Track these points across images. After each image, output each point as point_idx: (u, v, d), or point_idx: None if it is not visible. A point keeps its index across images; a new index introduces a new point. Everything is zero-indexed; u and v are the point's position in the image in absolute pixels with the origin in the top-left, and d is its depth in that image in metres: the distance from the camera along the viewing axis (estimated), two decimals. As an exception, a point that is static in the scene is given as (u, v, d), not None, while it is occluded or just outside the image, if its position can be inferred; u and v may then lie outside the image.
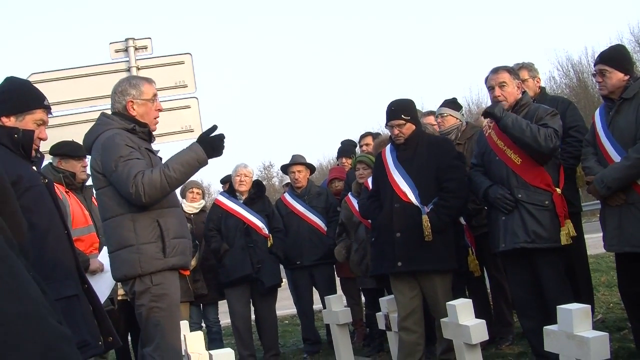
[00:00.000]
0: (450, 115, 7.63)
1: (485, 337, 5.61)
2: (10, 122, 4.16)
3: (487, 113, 5.97)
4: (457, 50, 77.85)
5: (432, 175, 6.08)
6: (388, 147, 6.43)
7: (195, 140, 5.02)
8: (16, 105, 4.21)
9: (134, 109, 5.05)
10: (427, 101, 53.52)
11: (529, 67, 7.04)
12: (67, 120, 8.23)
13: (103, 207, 5.00)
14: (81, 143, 5.48)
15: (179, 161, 4.81)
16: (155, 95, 5.17)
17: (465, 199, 6.19)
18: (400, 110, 6.19)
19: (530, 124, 5.67)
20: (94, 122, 5.21)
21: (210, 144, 4.94)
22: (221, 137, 5.00)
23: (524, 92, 6.06)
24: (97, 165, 4.90)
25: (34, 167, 4.25)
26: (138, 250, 4.77)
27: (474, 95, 43.99)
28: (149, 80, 5.22)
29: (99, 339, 4.13)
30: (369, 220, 6.85)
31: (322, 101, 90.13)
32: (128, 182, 4.65)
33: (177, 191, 5.21)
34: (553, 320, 4.93)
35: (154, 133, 5.32)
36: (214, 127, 5.01)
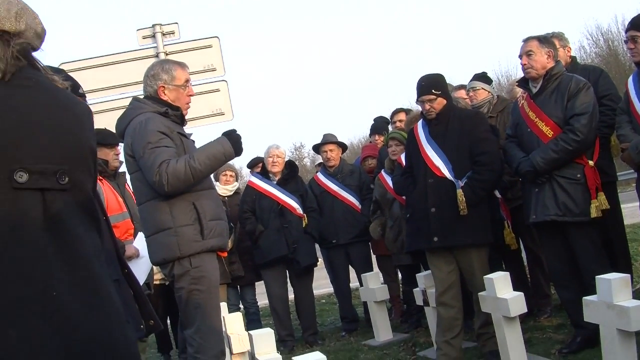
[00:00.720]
0: (482, 88, 7.59)
1: (524, 309, 5.60)
2: None
3: (527, 172, 5.86)
4: (486, 23, 77.11)
5: (465, 149, 6.03)
6: (420, 123, 6.39)
7: (221, 133, 5.06)
8: None
9: (165, 94, 5.05)
10: (456, 75, 53.23)
11: (559, 36, 6.95)
12: (98, 108, 8.28)
13: (138, 191, 5.02)
14: (113, 130, 5.50)
15: (206, 154, 4.81)
16: (187, 80, 5.15)
17: (500, 172, 6.13)
18: (430, 85, 6.15)
19: (556, 147, 5.62)
20: (124, 109, 5.23)
21: (235, 141, 4.98)
22: (238, 136, 5.06)
23: (557, 61, 5.97)
24: (129, 150, 4.91)
25: None
26: (176, 233, 4.78)
27: (504, 68, 43.58)
28: (182, 65, 5.19)
29: (140, 323, 4.16)
30: (404, 197, 6.84)
31: (351, 79, 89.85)
32: (152, 170, 4.66)
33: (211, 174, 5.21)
34: (590, 291, 4.91)
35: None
36: (234, 130, 5.08)
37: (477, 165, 5.97)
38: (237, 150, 5.00)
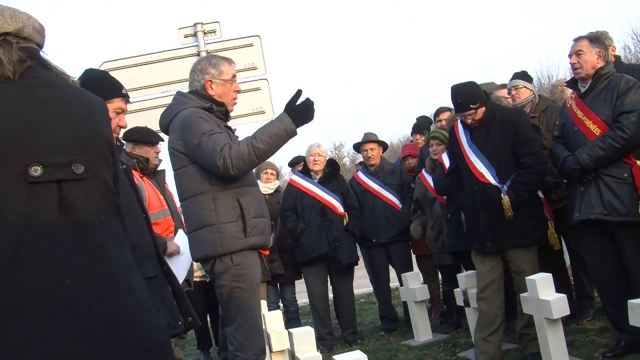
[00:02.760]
0: (525, 87, 7.51)
1: (567, 312, 5.54)
2: None
3: (573, 170, 5.78)
4: (527, 22, 76.45)
5: (507, 151, 5.97)
6: (460, 122, 6.33)
7: (281, 113, 4.86)
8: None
9: (212, 89, 5.02)
10: (496, 75, 52.81)
11: (603, 35, 6.86)
12: (140, 106, 8.34)
13: (182, 186, 4.97)
14: (154, 129, 5.50)
15: (267, 132, 4.71)
16: (234, 76, 5.12)
17: (543, 172, 6.05)
18: (467, 100, 6.01)
19: (603, 144, 5.53)
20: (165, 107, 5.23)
21: (298, 111, 4.80)
22: (309, 104, 4.85)
23: (607, 62, 5.87)
24: (176, 145, 4.87)
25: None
26: (219, 230, 4.74)
27: (545, 68, 43.11)
28: (229, 61, 5.16)
29: (178, 319, 4.16)
30: (444, 197, 6.79)
31: (393, 78, 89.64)
32: (215, 155, 4.60)
33: (253, 170, 5.16)
34: (636, 294, 4.83)
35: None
36: (299, 92, 4.87)
37: (521, 167, 5.90)
38: (305, 119, 4.83)
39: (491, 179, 5.91)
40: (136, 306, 2.29)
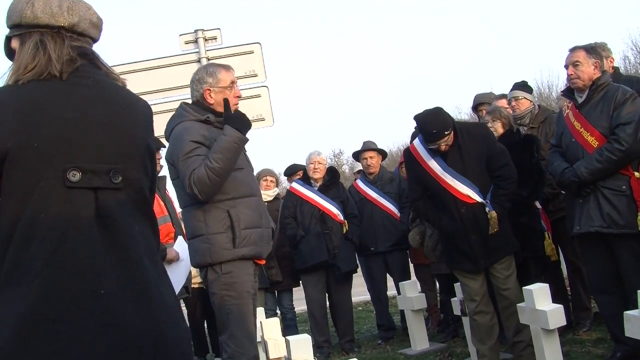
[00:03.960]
0: (525, 98, 7.52)
1: (563, 322, 5.56)
2: None
3: (571, 182, 5.78)
4: (527, 31, 76.57)
5: (483, 165, 5.97)
6: (420, 146, 6.17)
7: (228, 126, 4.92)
8: None
9: (211, 97, 5.06)
10: (496, 84, 52.83)
11: (601, 47, 6.87)
12: (140, 112, 8.34)
13: (178, 197, 5.11)
14: (155, 135, 5.51)
15: (217, 150, 4.76)
16: (233, 82, 5.15)
17: (517, 181, 6.06)
18: (442, 129, 5.85)
19: (600, 157, 5.53)
20: (167, 113, 5.27)
21: (236, 120, 4.90)
22: (239, 114, 5.01)
23: (603, 72, 5.88)
24: (170, 157, 4.98)
25: None
26: (208, 240, 4.82)
27: (545, 77, 43.10)
28: (226, 68, 5.20)
29: None
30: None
31: (392, 86, 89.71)
32: (185, 182, 4.73)
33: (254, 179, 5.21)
34: (632, 306, 4.84)
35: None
36: (226, 101, 4.98)
37: (499, 179, 5.96)
38: (246, 125, 4.94)
39: (477, 198, 5.91)
40: (167, 318, 2.29)
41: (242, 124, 4.92)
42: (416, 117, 6.07)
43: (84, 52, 2.43)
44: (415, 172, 6.25)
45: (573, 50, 5.92)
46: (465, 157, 5.97)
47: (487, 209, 5.88)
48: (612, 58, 7.12)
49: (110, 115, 2.33)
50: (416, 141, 6.27)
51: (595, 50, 5.93)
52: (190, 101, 5.24)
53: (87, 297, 2.11)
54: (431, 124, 5.91)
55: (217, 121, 5.00)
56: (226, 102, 4.98)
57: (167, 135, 5.11)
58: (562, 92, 6.37)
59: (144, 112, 2.51)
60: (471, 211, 5.92)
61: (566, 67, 5.92)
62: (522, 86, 7.72)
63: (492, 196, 5.92)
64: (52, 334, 2.05)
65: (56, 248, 2.13)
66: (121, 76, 2.61)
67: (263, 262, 5.21)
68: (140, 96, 7.53)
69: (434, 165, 6.04)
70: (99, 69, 2.47)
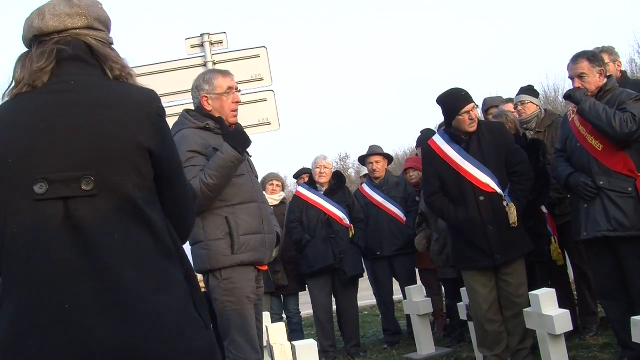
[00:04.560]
0: (531, 102, 7.50)
1: (569, 327, 5.54)
2: None
3: (567, 95, 5.83)
4: (533, 34, 76.49)
5: (502, 160, 6.02)
6: (440, 139, 6.27)
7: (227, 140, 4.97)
8: None
9: (208, 104, 5.08)
10: (502, 88, 52.76)
11: (609, 50, 6.88)
12: (145, 116, 8.34)
13: None
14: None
15: (213, 167, 4.78)
16: (230, 87, 5.14)
17: (533, 180, 6.11)
18: (469, 95, 6.08)
19: (606, 108, 5.50)
20: (172, 117, 5.25)
21: (235, 138, 4.92)
22: (240, 130, 5.06)
23: (609, 77, 5.85)
24: None
25: None
26: (206, 247, 4.86)
27: (551, 81, 42.93)
28: (223, 73, 5.21)
29: None
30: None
31: (397, 90, 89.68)
32: None
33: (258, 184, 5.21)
34: (637, 311, 4.83)
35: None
36: (220, 119, 5.03)
37: (516, 175, 5.99)
38: (245, 142, 4.96)
39: (496, 188, 5.92)
40: (156, 333, 2.16)
41: (241, 141, 4.94)
42: (440, 95, 6.21)
43: (69, 51, 2.37)
44: (433, 166, 6.27)
45: (575, 61, 5.84)
46: (484, 149, 6.02)
47: (505, 203, 5.88)
48: (620, 62, 7.11)
49: (86, 118, 2.25)
50: (435, 136, 6.37)
51: (597, 57, 5.87)
52: (192, 107, 5.27)
53: (55, 312, 2.07)
54: (459, 90, 6.16)
55: (216, 127, 5.03)
56: (221, 120, 5.02)
57: None
58: (564, 95, 6.34)
59: (139, 108, 2.36)
60: (489, 200, 5.92)
61: (571, 78, 5.88)
62: (529, 90, 7.69)
63: (509, 191, 5.94)
64: (23, 350, 2.05)
65: (25, 263, 2.12)
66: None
67: (265, 267, 5.21)
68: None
69: (453, 154, 6.09)
70: (90, 65, 2.40)
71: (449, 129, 6.18)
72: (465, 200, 6.01)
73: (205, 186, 4.72)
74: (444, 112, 6.21)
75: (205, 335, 2.33)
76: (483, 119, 6.55)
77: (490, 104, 8.53)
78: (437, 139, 6.29)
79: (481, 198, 5.92)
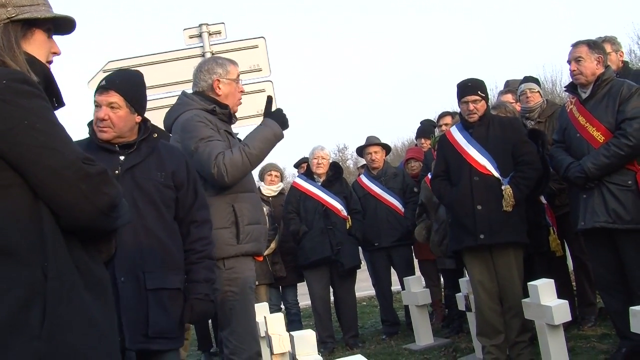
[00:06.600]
0: (539, 91, 7.50)
1: (568, 317, 5.54)
2: None
3: (577, 177, 5.71)
4: (531, 25, 76.36)
5: (508, 150, 6.06)
6: (455, 128, 6.42)
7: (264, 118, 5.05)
8: None
9: (219, 88, 5.00)
10: (500, 80, 52.65)
11: (611, 40, 6.86)
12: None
13: None
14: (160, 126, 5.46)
15: (258, 137, 4.79)
16: (239, 76, 5.15)
17: (540, 171, 6.12)
18: (476, 86, 6.21)
19: (607, 152, 5.46)
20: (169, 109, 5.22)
21: (279, 117, 4.97)
22: (282, 112, 5.08)
23: (607, 67, 5.83)
24: (181, 144, 4.82)
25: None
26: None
27: (548, 73, 42.82)
28: (233, 62, 5.18)
29: (183, 333, 4.18)
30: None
31: (396, 81, 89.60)
32: (210, 163, 4.61)
33: (255, 175, 5.18)
34: (638, 301, 4.82)
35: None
36: (270, 99, 5.11)
37: (521, 164, 6.01)
38: (285, 125, 5.01)
39: (493, 171, 5.99)
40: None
41: (283, 121, 4.99)
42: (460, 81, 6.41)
43: None
44: (444, 151, 6.45)
45: (576, 45, 5.86)
46: (491, 137, 6.14)
47: (502, 186, 5.93)
48: (622, 52, 7.09)
49: None
50: (453, 127, 6.53)
51: (598, 46, 5.86)
52: (190, 91, 5.20)
53: None
54: (469, 79, 6.34)
55: (222, 113, 4.97)
56: (269, 99, 5.10)
57: (170, 124, 5.02)
58: (565, 87, 6.34)
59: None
60: (483, 182, 6.00)
61: (569, 62, 5.88)
62: (534, 80, 7.69)
63: (511, 178, 5.96)
64: None
65: None
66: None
67: (261, 258, 5.18)
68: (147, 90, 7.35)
69: (459, 138, 6.27)
70: None
71: (462, 116, 6.37)
72: (460, 180, 6.13)
73: (247, 155, 4.70)
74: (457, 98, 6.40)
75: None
76: (511, 111, 6.63)
77: (513, 86, 8.44)
78: (452, 128, 6.49)
79: (476, 178, 6.01)
